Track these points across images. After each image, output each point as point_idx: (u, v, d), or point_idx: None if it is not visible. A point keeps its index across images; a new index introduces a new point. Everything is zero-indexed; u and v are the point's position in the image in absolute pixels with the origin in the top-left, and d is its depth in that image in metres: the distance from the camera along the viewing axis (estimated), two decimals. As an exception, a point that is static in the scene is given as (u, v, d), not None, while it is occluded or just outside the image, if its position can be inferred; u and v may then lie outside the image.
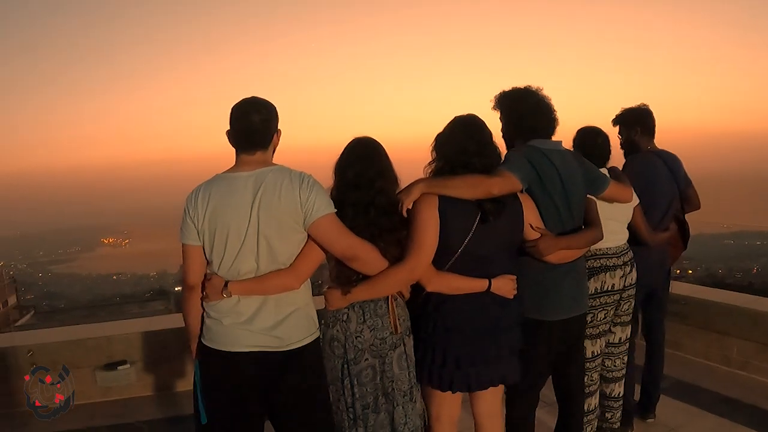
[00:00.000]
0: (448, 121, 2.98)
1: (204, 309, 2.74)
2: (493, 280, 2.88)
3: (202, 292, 2.71)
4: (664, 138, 4.24)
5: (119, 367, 5.33)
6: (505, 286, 2.91)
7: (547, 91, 3.21)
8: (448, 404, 3.05)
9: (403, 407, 2.91)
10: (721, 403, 4.79)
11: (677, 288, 5.89)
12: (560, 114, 3.23)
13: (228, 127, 2.68)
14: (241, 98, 2.69)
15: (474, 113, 2.98)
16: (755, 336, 5.34)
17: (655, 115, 4.22)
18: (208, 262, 2.70)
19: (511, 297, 2.93)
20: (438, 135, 2.97)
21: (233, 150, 2.69)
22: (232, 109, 2.67)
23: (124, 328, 5.78)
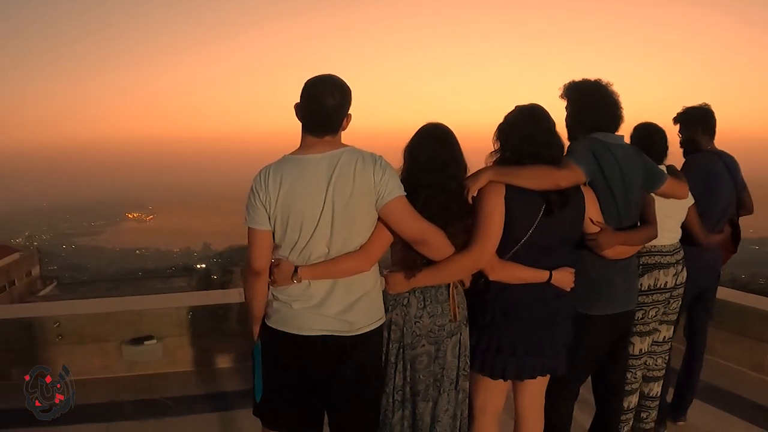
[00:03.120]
0: (508, 111, 2.95)
1: (271, 293, 2.71)
2: (554, 272, 2.88)
3: (270, 277, 2.67)
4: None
5: (146, 342, 5.33)
6: (564, 278, 2.91)
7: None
8: (495, 395, 3.07)
9: (448, 394, 2.91)
10: (753, 410, 4.70)
11: (713, 292, 5.75)
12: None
13: (297, 101, 2.60)
14: (314, 75, 2.58)
15: (537, 103, 2.96)
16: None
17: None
18: (275, 246, 2.65)
19: (569, 290, 2.93)
20: (501, 125, 2.94)
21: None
22: (306, 84, 2.57)
23: (152, 303, 5.80)
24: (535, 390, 3.13)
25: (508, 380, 3.01)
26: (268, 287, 2.72)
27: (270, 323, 2.72)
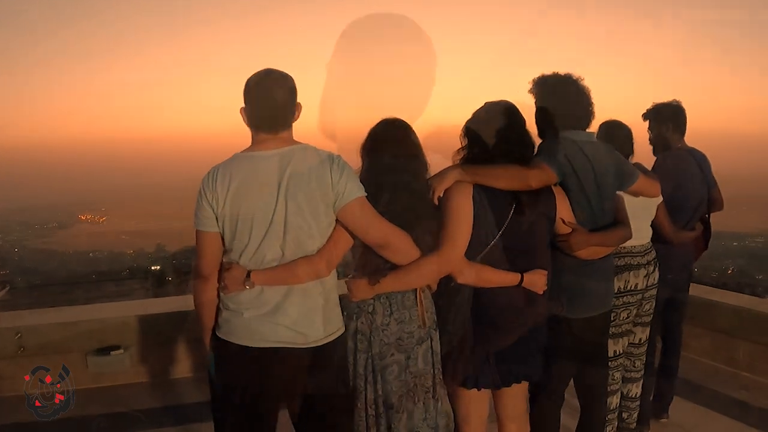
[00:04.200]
0: (477, 108, 2.84)
1: (220, 300, 2.53)
2: (525, 275, 2.75)
3: (219, 283, 2.49)
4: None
5: (112, 352, 5.12)
6: (537, 281, 2.78)
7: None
8: (476, 403, 2.93)
9: (424, 404, 2.75)
10: (730, 404, 4.75)
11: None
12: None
13: (243, 105, 2.47)
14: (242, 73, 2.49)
15: (508, 100, 2.84)
16: (762, 338, 5.27)
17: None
18: (225, 250, 2.48)
19: (541, 293, 2.81)
20: (470, 122, 2.82)
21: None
22: (249, 83, 2.43)
23: (117, 311, 5.58)
24: (514, 397, 3.00)
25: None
26: (218, 294, 2.54)
27: (220, 334, 2.53)
